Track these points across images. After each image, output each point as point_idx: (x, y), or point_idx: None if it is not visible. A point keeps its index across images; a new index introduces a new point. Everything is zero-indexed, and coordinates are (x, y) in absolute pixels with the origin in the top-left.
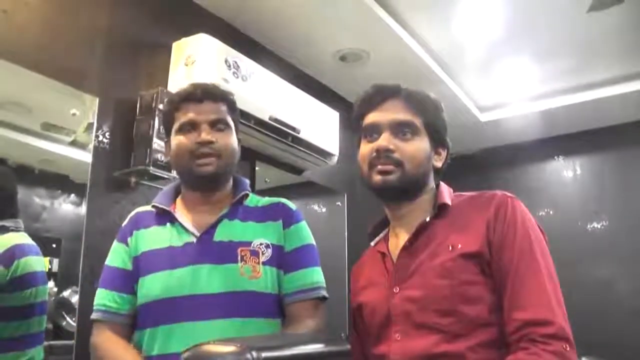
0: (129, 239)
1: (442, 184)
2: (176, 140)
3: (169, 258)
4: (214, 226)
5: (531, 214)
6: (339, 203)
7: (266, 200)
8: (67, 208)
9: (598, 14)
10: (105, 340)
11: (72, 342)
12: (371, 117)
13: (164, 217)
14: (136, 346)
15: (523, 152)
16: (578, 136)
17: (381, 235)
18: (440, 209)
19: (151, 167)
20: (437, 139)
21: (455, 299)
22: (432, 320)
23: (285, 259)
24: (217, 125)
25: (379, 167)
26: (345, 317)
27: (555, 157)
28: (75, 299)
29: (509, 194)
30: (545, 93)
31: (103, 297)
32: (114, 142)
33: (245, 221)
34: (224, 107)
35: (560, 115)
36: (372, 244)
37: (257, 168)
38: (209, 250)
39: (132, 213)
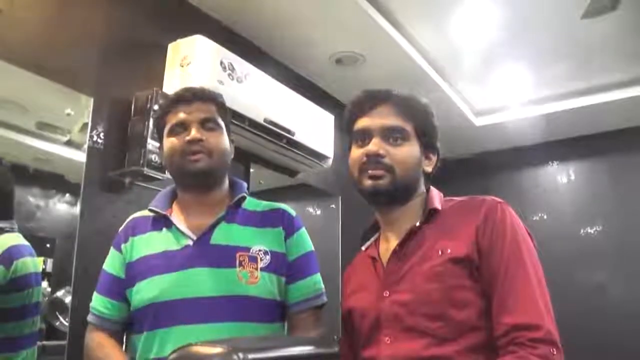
0: (122, 246)
1: (432, 188)
2: (168, 142)
3: (165, 262)
4: (210, 229)
5: (525, 219)
6: (333, 205)
7: (265, 204)
8: (62, 208)
9: (593, 21)
10: (96, 344)
11: (65, 342)
12: (362, 122)
13: (160, 221)
14: (131, 350)
15: (518, 157)
16: (572, 142)
17: (372, 239)
18: (430, 214)
19: (145, 168)
20: (428, 144)
21: (444, 303)
22: (422, 324)
23: (289, 268)
24: (207, 124)
25: (370, 172)
26: (338, 319)
27: (550, 162)
28: (68, 299)
29: (498, 199)
30: (540, 98)
31: (97, 302)
32: (108, 143)
33: (244, 226)
34: (213, 107)
35: (555, 120)
36: (363, 248)
37: (251, 170)
38: (206, 253)
39: (129, 219)
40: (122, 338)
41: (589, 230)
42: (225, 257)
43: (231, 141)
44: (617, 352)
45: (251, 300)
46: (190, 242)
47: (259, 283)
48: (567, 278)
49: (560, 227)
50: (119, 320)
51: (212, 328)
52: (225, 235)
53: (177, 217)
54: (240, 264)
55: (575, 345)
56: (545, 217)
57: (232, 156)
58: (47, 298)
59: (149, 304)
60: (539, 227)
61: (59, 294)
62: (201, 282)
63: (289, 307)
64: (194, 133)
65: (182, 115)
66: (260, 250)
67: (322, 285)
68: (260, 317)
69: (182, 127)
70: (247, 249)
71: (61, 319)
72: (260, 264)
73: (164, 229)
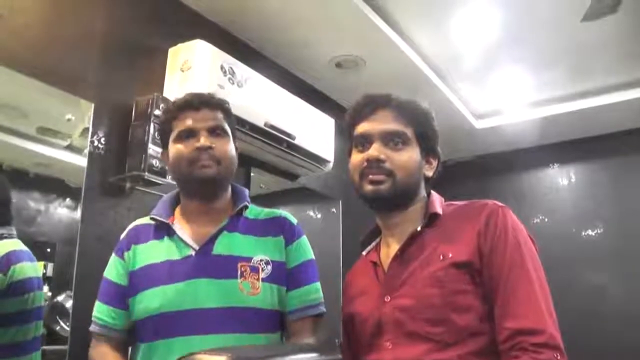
0: (125, 254)
1: (433, 193)
2: (174, 148)
3: (168, 272)
4: (213, 239)
5: (526, 221)
6: (333, 209)
7: (267, 213)
8: (62, 212)
9: (593, 23)
10: (101, 355)
11: (66, 347)
12: (362, 127)
13: (163, 229)
14: None
15: (518, 160)
16: (573, 144)
17: (373, 244)
18: (431, 219)
19: (146, 173)
20: (428, 148)
21: (445, 308)
22: (423, 329)
23: (288, 276)
24: (215, 131)
25: (370, 176)
26: (339, 324)
27: (550, 165)
28: (69, 304)
29: (499, 203)
30: (540, 101)
31: (100, 311)
32: (109, 148)
33: (246, 234)
34: (220, 115)
35: (555, 123)
36: (364, 253)
37: (252, 174)
38: (208, 264)
39: (131, 226)
40: (127, 348)
41: (590, 233)
42: (226, 268)
43: (236, 148)
44: (617, 354)
45: (253, 311)
46: (192, 252)
47: (260, 294)
48: (568, 280)
49: (561, 230)
50: (124, 329)
51: (214, 339)
52: (227, 245)
53: (179, 226)
54: (242, 275)
55: (576, 347)
56: (545, 219)
57: (237, 162)
58: (47, 302)
59: (151, 315)
60: (540, 229)
61: (60, 298)
62: (203, 293)
63: (287, 315)
64: (203, 141)
65: (189, 122)
66: (261, 261)
67: (321, 295)
68: (262, 328)
69: (189, 134)
70: (249, 259)
71: (62, 323)
72: (262, 275)
73: (166, 238)
